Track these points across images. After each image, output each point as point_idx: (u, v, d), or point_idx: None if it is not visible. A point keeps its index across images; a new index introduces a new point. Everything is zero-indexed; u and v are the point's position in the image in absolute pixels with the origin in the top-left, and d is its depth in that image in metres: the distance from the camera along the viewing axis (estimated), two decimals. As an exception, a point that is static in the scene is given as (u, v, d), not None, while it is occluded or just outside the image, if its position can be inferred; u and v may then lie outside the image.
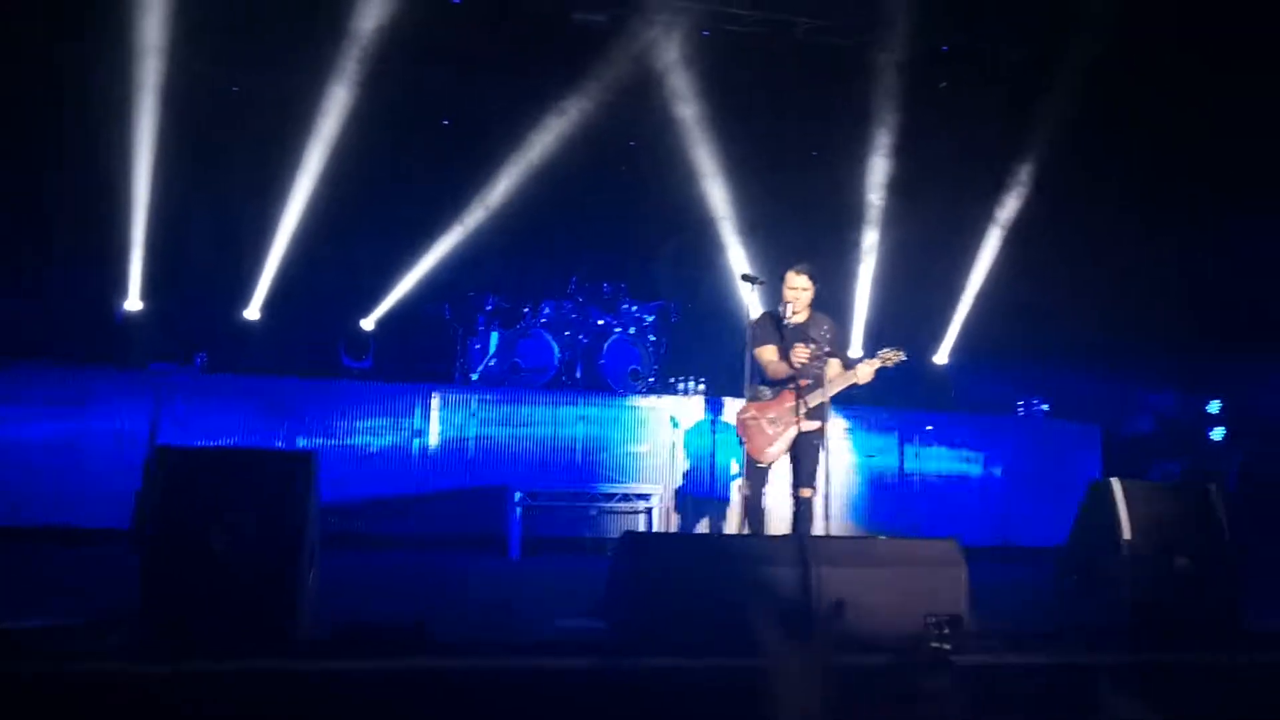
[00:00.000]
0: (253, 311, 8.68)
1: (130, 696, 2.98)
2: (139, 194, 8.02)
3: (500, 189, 9.05)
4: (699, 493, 7.53)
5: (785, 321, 5.25)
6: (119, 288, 8.22)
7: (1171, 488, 4.02)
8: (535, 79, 8.88)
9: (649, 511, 7.08)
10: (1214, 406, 9.27)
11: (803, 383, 5.15)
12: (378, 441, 7.11)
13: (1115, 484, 3.90)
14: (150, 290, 8.30)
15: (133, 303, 8.25)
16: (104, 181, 7.97)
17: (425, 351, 8.70)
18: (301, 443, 6.81)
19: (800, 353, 5.10)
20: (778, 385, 5.20)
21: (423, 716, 3.21)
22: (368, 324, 9.09)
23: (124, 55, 7.69)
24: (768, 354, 5.23)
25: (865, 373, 5.06)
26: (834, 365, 5.27)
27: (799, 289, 5.22)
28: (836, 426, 7.83)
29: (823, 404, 5.17)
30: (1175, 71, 7.99)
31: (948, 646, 3.55)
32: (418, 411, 7.25)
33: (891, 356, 5.10)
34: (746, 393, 5.37)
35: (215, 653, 3.08)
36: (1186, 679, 3.62)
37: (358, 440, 7.05)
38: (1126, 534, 3.83)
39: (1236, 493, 8.34)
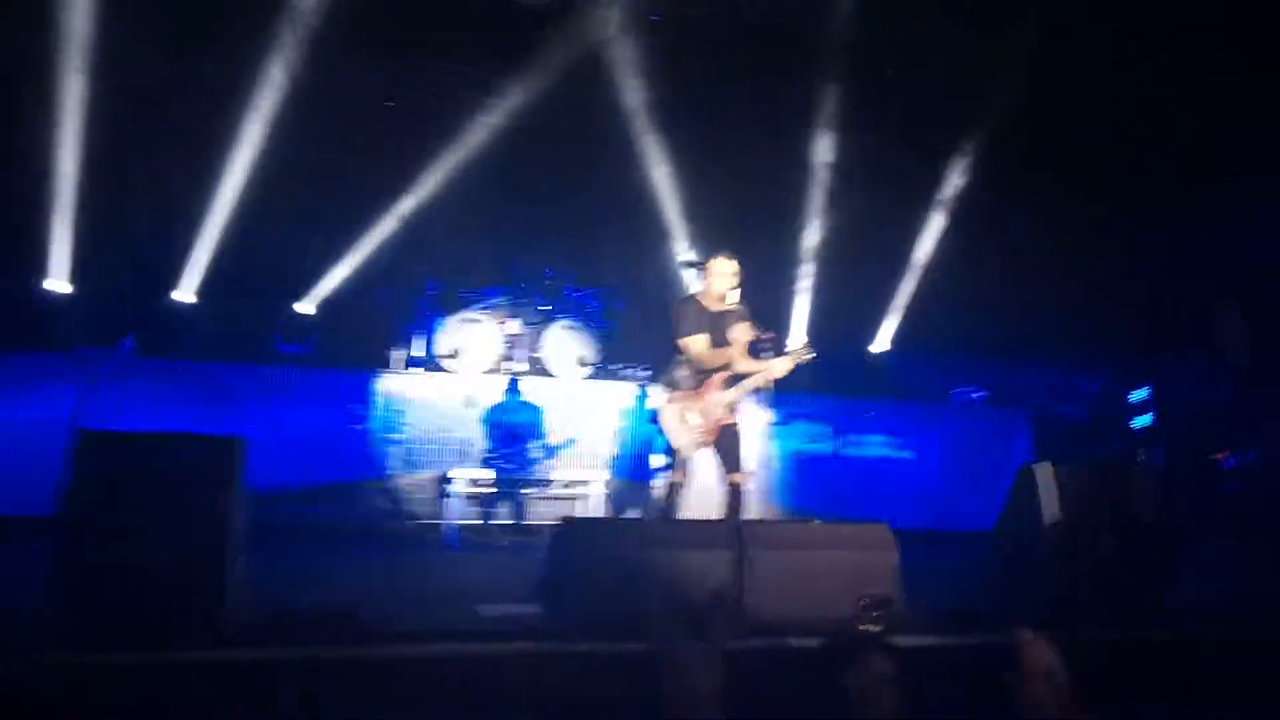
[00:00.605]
0: (185, 294, 8.45)
1: (49, 688, 2.89)
2: (65, 170, 7.72)
3: (443, 172, 8.91)
4: (639, 478, 7.56)
5: (717, 307, 5.21)
6: (43, 268, 7.93)
7: (1098, 469, 4.13)
8: (480, 61, 8.75)
9: (590, 498, 7.09)
10: (1140, 394, 9.57)
11: (723, 375, 5.16)
12: (315, 427, 6.99)
13: (1043, 467, 4.00)
14: (77, 271, 8.02)
15: (58, 284, 7.97)
16: (28, 156, 7.66)
17: (365, 337, 8.56)
18: (236, 428, 6.65)
19: (749, 335, 5.09)
20: (699, 376, 5.14)
21: (356, 704, 3.18)
22: (306, 308, 8.91)
23: (52, 23, 7.38)
24: (698, 344, 5.13)
25: (781, 368, 5.06)
26: (740, 355, 5.26)
27: (729, 274, 5.21)
28: (772, 414, 7.93)
29: (759, 391, 5.18)
30: (1118, 65, 8.16)
31: (878, 628, 3.62)
32: (356, 397, 7.15)
33: (803, 354, 5.10)
34: (664, 380, 5.33)
35: (137, 643, 3.00)
36: (1107, 657, 3.74)
37: (294, 426, 6.93)
38: (1054, 516, 3.93)
39: (1163, 475, 8.63)
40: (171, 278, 8.44)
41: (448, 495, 6.82)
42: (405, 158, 8.94)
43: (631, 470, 7.58)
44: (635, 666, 3.31)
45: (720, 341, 5.14)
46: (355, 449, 7.08)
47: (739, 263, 5.24)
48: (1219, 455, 8.43)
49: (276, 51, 7.91)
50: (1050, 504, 3.93)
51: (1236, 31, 7.49)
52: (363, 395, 7.16)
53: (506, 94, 8.72)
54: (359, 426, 7.12)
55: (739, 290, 5.24)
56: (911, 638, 3.63)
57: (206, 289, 8.47)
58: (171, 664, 3.03)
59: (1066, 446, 9.05)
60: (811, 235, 9.54)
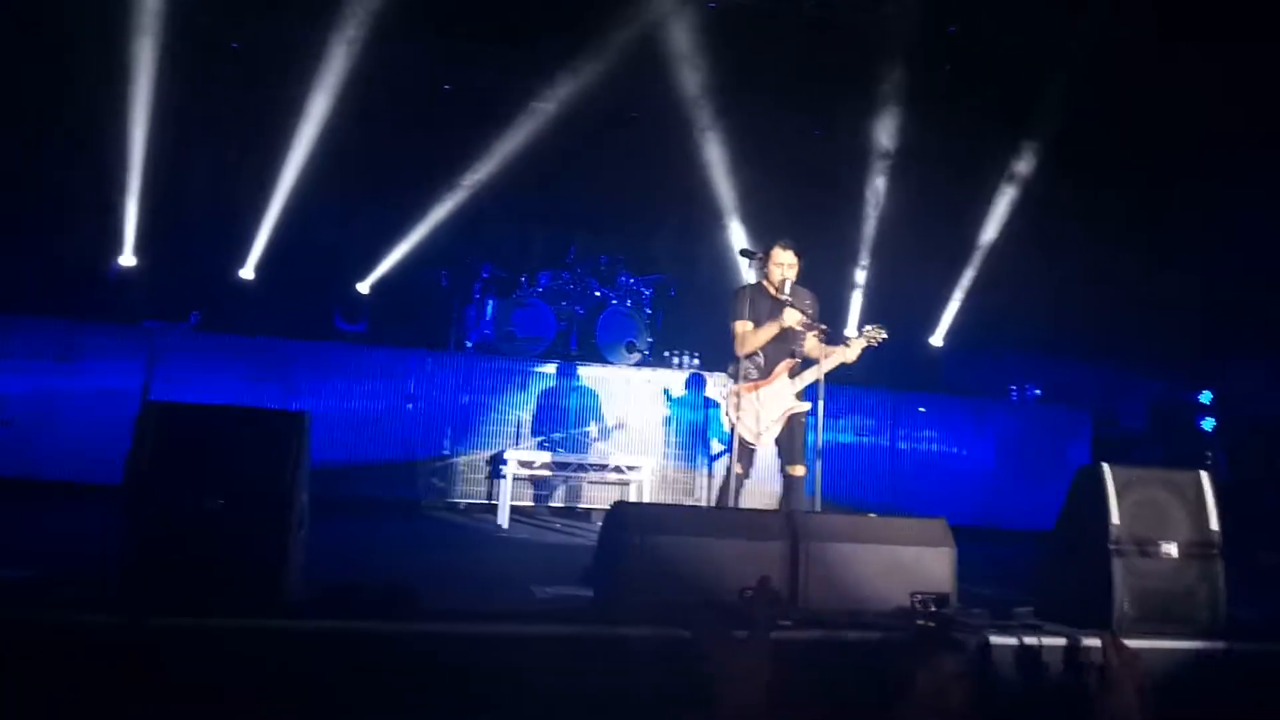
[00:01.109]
0: (248, 271, 8.63)
1: (116, 651, 2.99)
2: (135, 148, 7.93)
3: (500, 157, 8.96)
4: (689, 466, 7.56)
5: (776, 295, 5.18)
6: (113, 243, 8.16)
7: (1162, 474, 4.01)
8: (538, 46, 8.76)
9: (639, 483, 7.10)
10: (1205, 397, 9.29)
11: (791, 363, 5.14)
12: (371, 405, 7.10)
13: (1105, 469, 3.91)
14: (144, 246, 8.24)
15: (126, 258, 8.20)
16: (98, 135, 7.88)
17: (421, 317, 8.68)
18: (294, 404, 6.80)
19: (792, 314, 5.06)
20: (764, 364, 5.12)
21: (409, 679, 3.23)
22: (363, 288, 9.04)
23: (121, 3, 7.57)
24: (743, 328, 5.11)
25: (853, 351, 5.04)
26: (811, 341, 5.22)
27: (785, 264, 5.17)
28: (830, 406, 7.85)
29: (813, 383, 5.15)
30: (1188, 62, 7.91)
31: (934, 624, 3.57)
32: (412, 376, 7.24)
33: (875, 334, 5.07)
34: (730, 369, 5.32)
35: (202, 610, 3.08)
36: (1170, 666, 3.65)
37: (351, 403, 7.05)
38: (1115, 519, 3.84)
39: (1226, 481, 8.39)
40: (236, 255, 8.64)
41: (502, 476, 6.88)
42: (464, 141, 9.01)
43: (684, 458, 7.58)
44: (682, 653, 3.33)
45: (767, 333, 5.12)
46: (411, 427, 7.17)
47: (796, 252, 5.20)
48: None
49: (339, 31, 8.01)
50: (1114, 507, 3.84)
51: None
52: (419, 374, 7.25)
53: (564, 79, 8.73)
54: (414, 405, 7.21)
55: (798, 277, 5.21)
56: (970, 635, 3.58)
57: (266, 267, 8.65)
58: (234, 630, 3.11)
59: (1126, 448, 8.85)
60: (870, 227, 9.42)
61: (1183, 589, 3.87)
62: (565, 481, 7.40)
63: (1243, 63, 7.59)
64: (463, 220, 9.18)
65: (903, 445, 8.16)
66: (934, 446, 8.23)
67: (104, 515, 3.33)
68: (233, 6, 8.08)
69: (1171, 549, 3.87)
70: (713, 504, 7.05)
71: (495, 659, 3.29)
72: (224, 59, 8.33)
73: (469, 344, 8.20)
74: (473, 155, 8.97)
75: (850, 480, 7.90)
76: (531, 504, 7.41)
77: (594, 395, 7.57)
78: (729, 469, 5.04)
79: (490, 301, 8.19)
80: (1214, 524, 3.95)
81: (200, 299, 7.51)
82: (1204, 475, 4.02)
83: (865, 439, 8.04)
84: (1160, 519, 3.91)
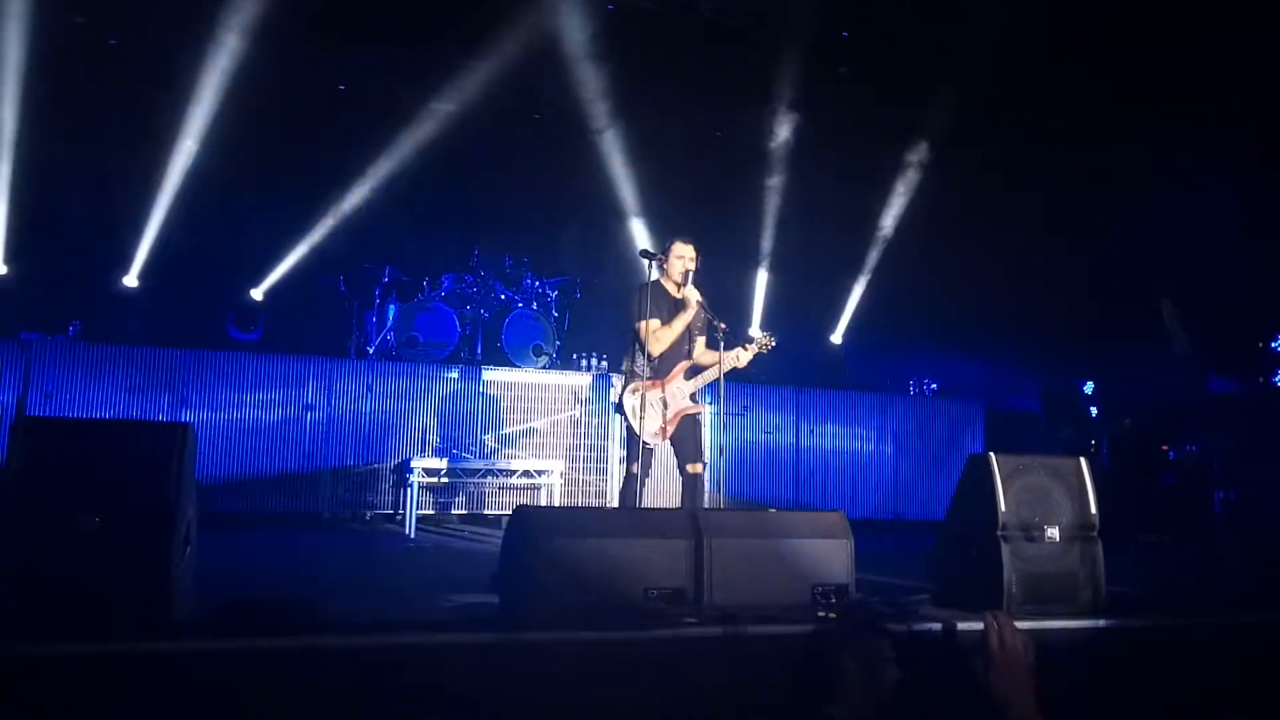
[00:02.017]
0: (131, 279, 8.24)
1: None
2: (2, 151, 7.48)
3: (399, 159, 8.79)
4: (599, 469, 7.55)
5: (678, 290, 5.20)
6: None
7: (1045, 461, 4.20)
8: (436, 46, 8.64)
9: (548, 488, 7.07)
10: (1088, 387, 9.78)
11: (686, 364, 5.19)
12: (267, 416, 6.88)
13: (992, 458, 4.07)
14: (17, 255, 7.78)
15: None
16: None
17: (319, 324, 8.43)
18: (185, 416, 6.53)
19: (692, 292, 5.09)
20: (661, 363, 5.12)
21: (309, 697, 3.13)
22: (257, 294, 8.74)
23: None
24: (652, 326, 5.09)
25: (744, 358, 5.13)
26: (699, 348, 5.28)
27: (686, 257, 5.20)
28: (737, 405, 7.98)
29: (714, 382, 5.21)
30: (1065, 68, 8.31)
31: (834, 615, 3.65)
32: (310, 385, 7.04)
33: (766, 341, 5.16)
34: (624, 367, 5.31)
35: (80, 635, 2.92)
36: (1056, 644, 3.83)
37: (245, 414, 6.81)
38: (1002, 506, 4.00)
39: (1109, 465, 8.84)
40: (118, 263, 8.24)
41: (408, 484, 6.75)
42: (361, 143, 8.81)
43: (593, 460, 7.57)
44: (589, 656, 3.32)
45: (678, 328, 5.15)
46: (311, 438, 6.97)
47: (695, 247, 5.25)
48: (1164, 448, 8.65)
49: (224, 31, 7.73)
50: (1000, 494, 4.00)
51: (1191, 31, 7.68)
52: (318, 382, 7.05)
53: (464, 80, 8.63)
54: (314, 415, 7.00)
55: (694, 277, 5.24)
56: (868, 623, 3.67)
57: (151, 274, 8.28)
58: (117, 656, 2.96)
59: (1018, 438, 9.23)
60: (770, 228, 9.60)
61: (1066, 570, 4.06)
62: (473, 488, 7.30)
63: (1133, 56, 8.01)
64: (362, 223, 8.98)
65: (807, 441, 8.33)
66: (838, 442, 8.43)
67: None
68: (113, 6, 7.71)
69: (1055, 533, 4.05)
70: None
71: (398, 671, 3.22)
72: (100, 57, 7.93)
73: (370, 350, 8.02)
74: (371, 157, 8.79)
75: (758, 477, 8.03)
76: (438, 512, 7.30)
77: (500, 400, 7.49)
78: (626, 470, 5.06)
79: (392, 306, 8.02)
80: (1093, 508, 4.15)
81: (80, 309, 7.14)
82: (1083, 461, 4.22)
83: (772, 436, 8.18)
84: (1044, 504, 4.09)
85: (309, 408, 7.01)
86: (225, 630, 3.17)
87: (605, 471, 7.52)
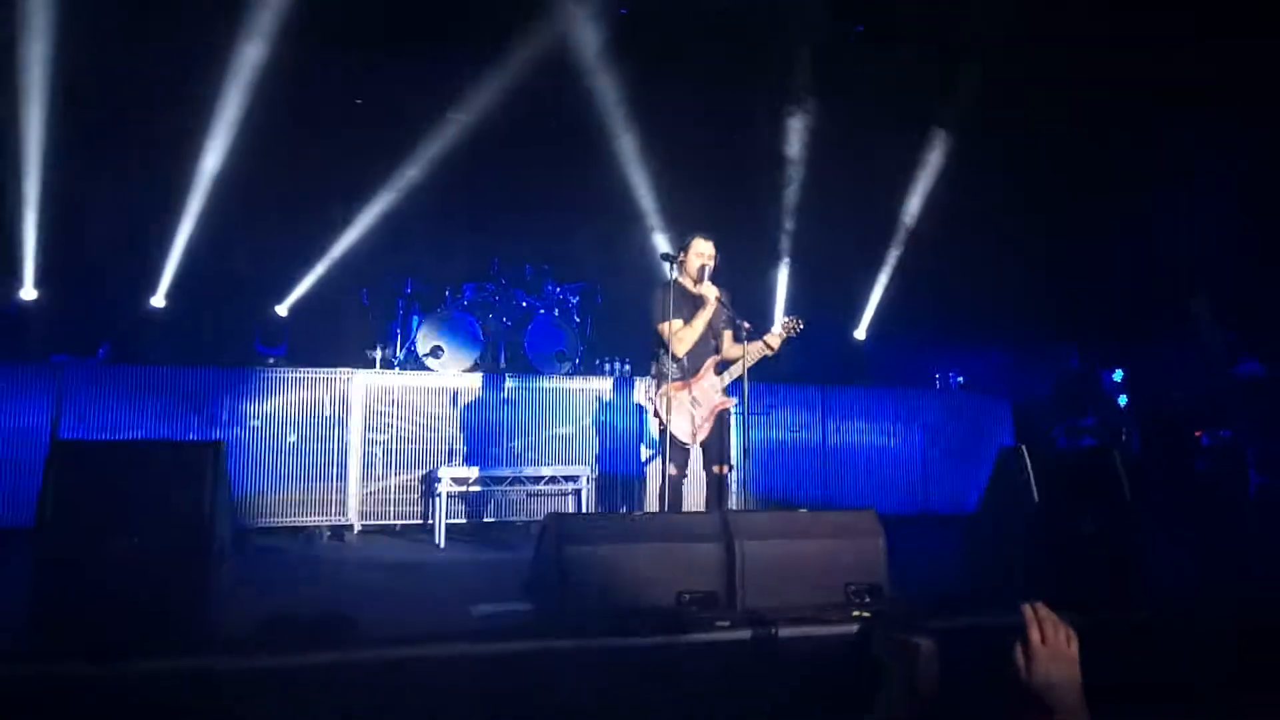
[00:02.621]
0: (159, 299, 8.35)
1: (35, 699, 2.85)
2: (30, 175, 7.60)
3: (418, 170, 8.85)
4: (627, 473, 7.55)
5: (696, 287, 5.18)
6: (12, 276, 7.81)
7: (1076, 453, 4.17)
8: (451, 57, 8.70)
9: (577, 493, 7.07)
10: (1118, 375, 9.65)
11: (715, 359, 5.16)
12: (297, 431, 6.92)
13: (1024, 451, 4.03)
14: (46, 279, 7.91)
15: (27, 292, 7.85)
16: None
17: (343, 337, 8.49)
18: (216, 435, 6.59)
19: (710, 289, 5.07)
20: (689, 363, 5.11)
21: (349, 710, 3.15)
22: (282, 310, 8.82)
23: (13, 25, 7.26)
24: (673, 327, 5.07)
25: (773, 343, 5.07)
26: (727, 342, 5.27)
27: (705, 254, 5.19)
28: (763, 404, 7.96)
29: (738, 382, 5.19)
30: (1092, 55, 8.21)
31: (869, 614, 3.63)
32: (337, 399, 7.08)
33: (794, 325, 5.12)
34: (653, 372, 5.30)
35: (122, 653, 2.95)
36: (1091, 638, 3.78)
37: (275, 430, 6.86)
38: (1035, 498, 3.96)
39: (1139, 456, 8.72)
40: (145, 284, 8.35)
41: (436, 494, 6.78)
42: (379, 155, 8.88)
43: (621, 464, 7.57)
44: (623, 662, 3.32)
45: (699, 326, 5.14)
46: (339, 450, 7.02)
47: (714, 244, 5.23)
48: (1197, 434, 8.52)
49: (244, 48, 7.81)
50: (1033, 487, 3.96)
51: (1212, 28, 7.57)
52: (345, 395, 7.10)
53: (479, 89, 8.68)
54: (341, 428, 7.05)
55: (714, 275, 5.22)
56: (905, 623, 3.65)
57: (178, 294, 8.38)
58: (157, 673, 2.99)
59: (1045, 424, 9.12)
60: (790, 226, 9.57)
61: (1100, 561, 4.02)
62: (502, 496, 7.32)
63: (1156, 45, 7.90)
64: (383, 236, 9.04)
65: (834, 440, 8.28)
66: (865, 439, 8.37)
67: (17, 560, 3.18)
68: (131, 26, 7.81)
69: (1088, 524, 4.01)
70: (654, 509, 7.07)
71: (435, 681, 3.23)
72: (125, 84, 8.05)
73: (395, 361, 8.06)
74: (389, 170, 8.85)
75: (785, 477, 7.99)
76: (468, 521, 7.32)
77: (526, 407, 7.51)
78: (664, 473, 5.03)
79: (415, 317, 8.06)
80: (1127, 497, 4.11)
81: (109, 331, 7.23)
82: (1116, 452, 4.18)
83: (798, 435, 8.14)
84: (1077, 496, 4.05)
85: (337, 421, 7.06)
86: (262, 645, 3.19)
87: (635, 474, 7.52)
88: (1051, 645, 1.74)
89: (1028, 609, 1.87)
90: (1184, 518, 6.95)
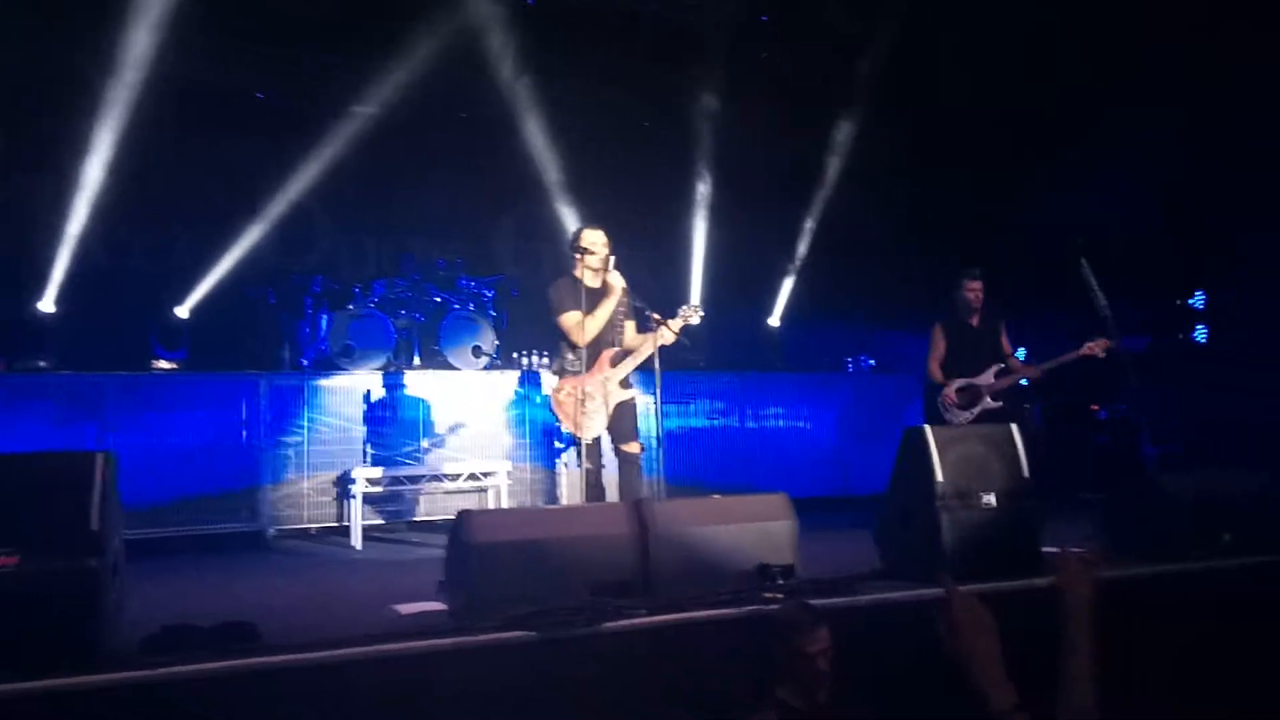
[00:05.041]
0: (47, 304, 7.95)
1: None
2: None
3: (323, 166, 8.61)
4: (548, 466, 7.52)
5: (596, 276, 5.17)
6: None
7: (976, 430, 4.30)
8: (353, 49, 8.50)
9: (496, 489, 7.01)
10: (1021, 354, 9.98)
11: (612, 352, 5.16)
12: (200, 436, 6.68)
13: (928, 430, 4.15)
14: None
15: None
16: None
17: (248, 339, 8.23)
18: (112, 443, 6.31)
19: (617, 278, 5.07)
20: (587, 355, 5.07)
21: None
22: (182, 312, 8.50)
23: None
24: (573, 319, 5.04)
25: (670, 333, 5.07)
26: (629, 332, 5.29)
27: (598, 243, 5.16)
28: (681, 392, 8.02)
29: (650, 372, 5.22)
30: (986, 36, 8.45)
31: (780, 596, 3.69)
32: (243, 401, 6.87)
33: (690, 313, 5.14)
34: (554, 367, 5.31)
35: (11, 673, 2.81)
36: (997, 606, 3.92)
37: (177, 437, 6.61)
38: (939, 476, 4.08)
39: (1039, 430, 9.06)
40: (33, 287, 7.94)
41: (351, 496, 6.64)
42: (282, 151, 8.62)
43: (540, 458, 7.54)
44: (539, 656, 3.31)
45: (601, 316, 5.13)
46: (248, 455, 6.80)
47: (606, 232, 5.23)
48: (1094, 407, 8.90)
49: (135, 39, 7.48)
50: (937, 465, 4.08)
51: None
52: (252, 398, 6.88)
53: (384, 81, 8.50)
54: (249, 431, 6.83)
55: (617, 264, 5.22)
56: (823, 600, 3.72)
57: (69, 297, 7.99)
58: (50, 692, 2.86)
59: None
60: (703, 214, 9.64)
61: (1004, 534, 4.16)
62: (420, 495, 7.21)
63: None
64: (289, 234, 8.79)
65: (752, 424, 8.39)
66: (782, 423, 8.51)
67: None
68: (16, 20, 7.41)
69: (991, 498, 4.15)
70: (574, 502, 7.05)
71: (344, 685, 3.17)
72: (6, 76, 7.62)
73: (304, 362, 7.86)
74: (294, 165, 8.59)
75: (705, 464, 8.07)
76: (386, 521, 7.20)
77: (442, 403, 7.41)
78: (582, 466, 5.03)
79: (324, 316, 7.85)
80: (1026, 471, 4.26)
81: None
82: (1014, 427, 4.33)
83: (716, 422, 8.23)
84: (979, 471, 4.18)
85: (244, 424, 6.85)
86: (157, 658, 3.08)
87: (553, 467, 7.49)
88: (971, 617, 1.78)
89: (948, 583, 1.92)
90: (1086, 489, 7.23)
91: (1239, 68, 8.00)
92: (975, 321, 6.38)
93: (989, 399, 6.11)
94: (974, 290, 6.34)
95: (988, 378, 6.18)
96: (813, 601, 3.55)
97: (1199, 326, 8.98)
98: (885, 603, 3.83)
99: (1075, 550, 1.85)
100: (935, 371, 6.33)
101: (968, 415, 6.11)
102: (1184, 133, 8.80)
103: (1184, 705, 3.68)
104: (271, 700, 3.08)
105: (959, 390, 6.18)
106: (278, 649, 3.21)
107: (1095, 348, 5.96)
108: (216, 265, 8.42)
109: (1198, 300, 9.72)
